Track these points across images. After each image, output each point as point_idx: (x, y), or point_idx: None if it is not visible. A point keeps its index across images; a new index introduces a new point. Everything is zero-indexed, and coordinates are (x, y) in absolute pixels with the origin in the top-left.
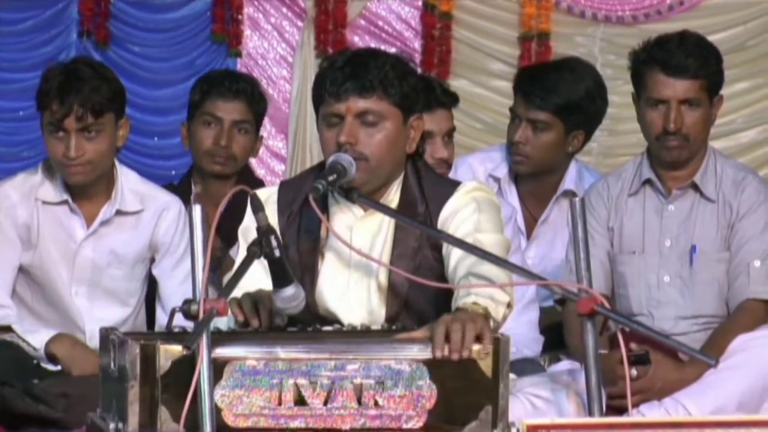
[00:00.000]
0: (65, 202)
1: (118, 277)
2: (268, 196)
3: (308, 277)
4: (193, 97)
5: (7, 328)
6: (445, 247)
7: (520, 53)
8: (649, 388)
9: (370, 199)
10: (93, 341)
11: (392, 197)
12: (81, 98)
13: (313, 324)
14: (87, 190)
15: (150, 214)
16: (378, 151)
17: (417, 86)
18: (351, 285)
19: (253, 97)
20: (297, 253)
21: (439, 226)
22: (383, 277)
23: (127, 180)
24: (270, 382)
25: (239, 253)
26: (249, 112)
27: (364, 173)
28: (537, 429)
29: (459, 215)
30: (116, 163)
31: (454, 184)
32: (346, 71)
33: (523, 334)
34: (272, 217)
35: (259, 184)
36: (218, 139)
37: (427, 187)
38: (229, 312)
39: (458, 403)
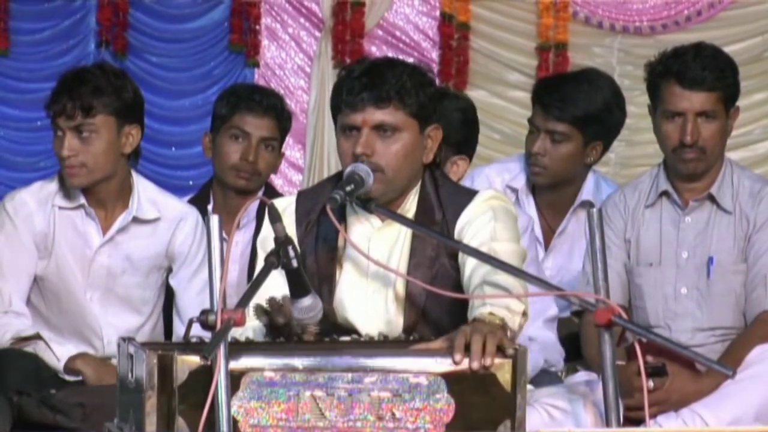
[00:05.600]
0: (81, 206)
1: (132, 284)
2: (286, 206)
3: (326, 286)
4: (219, 109)
5: (35, 336)
6: (461, 255)
7: (538, 63)
8: (666, 399)
9: (388, 210)
10: (110, 347)
11: (409, 206)
12: (73, 96)
13: (330, 333)
14: (99, 196)
15: (167, 224)
16: (394, 162)
17: (435, 96)
18: (369, 295)
19: (281, 114)
20: (315, 263)
21: (456, 234)
22: (401, 287)
23: (144, 189)
24: (287, 393)
25: (257, 263)
26: (277, 129)
27: (380, 184)
28: None
29: (475, 224)
30: (133, 172)
31: (472, 193)
32: (363, 81)
33: (556, 342)
34: (290, 227)
35: None
36: (245, 154)
37: (444, 195)
38: (249, 321)
39: (476, 417)
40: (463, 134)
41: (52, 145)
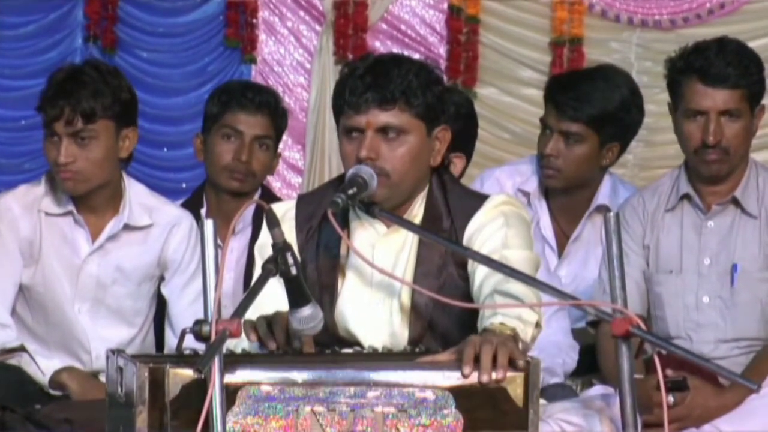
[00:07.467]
0: (69, 213)
1: (123, 294)
2: (286, 210)
3: (328, 296)
4: (210, 108)
5: (20, 348)
6: (471, 264)
7: (552, 59)
8: (687, 415)
9: (393, 214)
10: (98, 362)
11: (416, 212)
12: (72, 101)
13: (332, 346)
14: (91, 202)
15: (159, 230)
16: (400, 166)
17: (443, 96)
18: (372, 305)
19: (276, 111)
20: (316, 271)
21: (465, 241)
22: (406, 297)
23: (136, 193)
24: (285, 409)
25: (255, 271)
26: (271, 127)
27: (385, 189)
28: None
29: (485, 230)
30: (124, 175)
31: (482, 198)
32: (367, 81)
33: (559, 340)
34: (290, 233)
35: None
36: (238, 154)
37: (453, 200)
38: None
39: None
40: (457, 130)
41: (40, 147)
